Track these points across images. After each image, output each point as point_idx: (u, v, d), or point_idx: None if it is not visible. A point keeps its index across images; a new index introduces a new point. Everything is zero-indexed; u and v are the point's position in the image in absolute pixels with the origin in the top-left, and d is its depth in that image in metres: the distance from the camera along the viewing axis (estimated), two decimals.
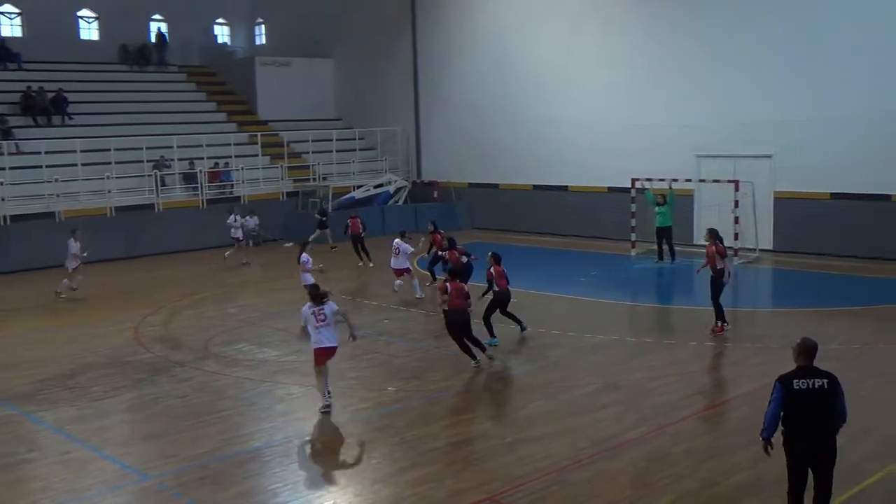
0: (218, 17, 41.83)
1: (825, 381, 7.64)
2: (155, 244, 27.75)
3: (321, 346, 12.04)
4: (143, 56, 36.46)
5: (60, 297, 21.12)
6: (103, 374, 14.38)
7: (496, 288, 15.51)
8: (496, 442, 10.76)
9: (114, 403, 12.98)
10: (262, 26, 41.82)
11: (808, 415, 7.65)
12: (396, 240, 19.88)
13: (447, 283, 14.17)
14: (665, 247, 23.47)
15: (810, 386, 7.60)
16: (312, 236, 24.14)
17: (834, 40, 22.96)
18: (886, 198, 22.53)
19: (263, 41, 41.67)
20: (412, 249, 20.00)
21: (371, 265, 24.06)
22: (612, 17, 27.88)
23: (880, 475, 9.36)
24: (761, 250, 24.03)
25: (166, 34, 38.15)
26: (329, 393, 12.18)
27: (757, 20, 24.38)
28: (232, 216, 26.18)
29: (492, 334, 15.46)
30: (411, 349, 15.61)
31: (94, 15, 37.23)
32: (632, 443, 10.60)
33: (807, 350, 7.71)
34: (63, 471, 10.27)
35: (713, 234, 16.03)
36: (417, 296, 19.59)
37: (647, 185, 24.61)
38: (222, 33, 42.35)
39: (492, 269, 15.58)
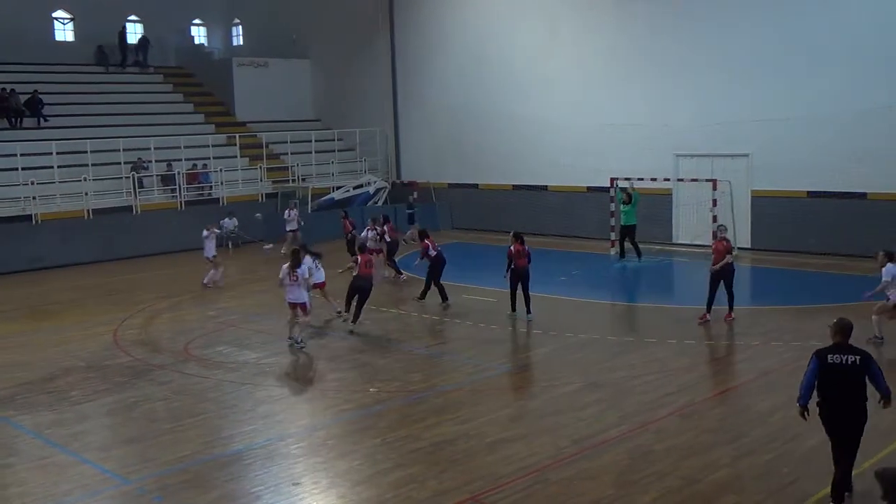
0: (194, 18, 41.57)
1: (858, 357, 8.39)
2: (133, 247, 27.56)
3: (289, 301, 15.61)
4: (122, 55, 36.16)
5: (208, 287, 21.80)
6: (82, 378, 14.27)
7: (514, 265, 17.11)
8: (478, 442, 10.77)
9: (93, 407, 12.88)
10: (239, 27, 41.63)
11: (839, 387, 8.42)
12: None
13: (358, 256, 17.17)
14: (629, 245, 23.78)
15: (843, 361, 8.39)
16: (409, 233, 26.17)
17: (809, 42, 23.16)
18: (862, 195, 22.74)
19: (240, 42, 41.48)
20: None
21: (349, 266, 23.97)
22: (590, 17, 27.98)
23: (857, 471, 9.43)
24: (739, 248, 24.12)
25: (147, 36, 37.90)
26: (291, 336, 15.74)
27: (734, 22, 24.56)
28: (287, 210, 27.52)
29: (513, 308, 17.24)
30: (392, 350, 15.59)
31: (69, 16, 36.91)
32: (614, 441, 10.65)
33: (843, 329, 8.55)
34: (42, 476, 10.18)
35: (722, 231, 16.68)
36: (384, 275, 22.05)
37: (626, 184, 24.71)
38: (199, 34, 42.10)
39: (512, 248, 17.05)
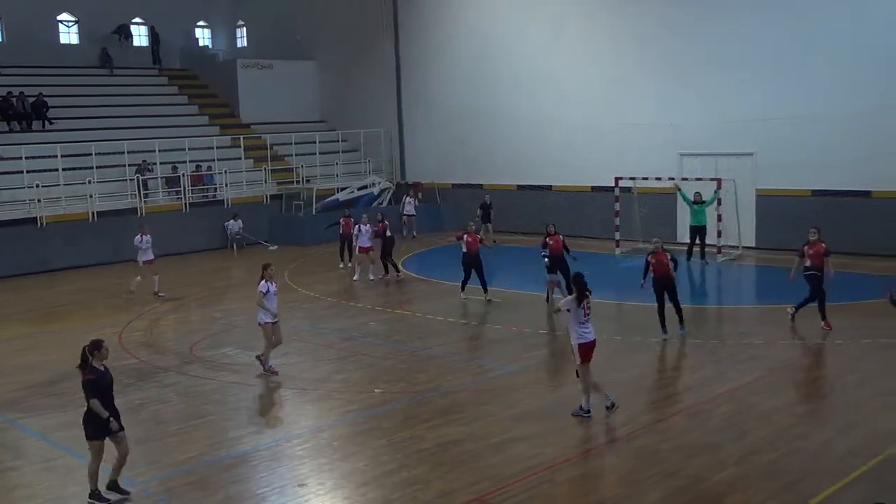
0: (199, 20, 41.66)
1: None
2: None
3: (588, 341, 11.33)
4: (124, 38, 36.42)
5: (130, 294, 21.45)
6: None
7: (464, 249, 19.13)
8: (484, 442, 10.77)
9: None
10: (244, 28, 41.70)
11: None
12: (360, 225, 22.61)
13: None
14: (696, 247, 23.07)
15: None
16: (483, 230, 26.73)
17: (813, 40, 23.14)
18: (866, 194, 22.70)
19: (245, 43, 41.54)
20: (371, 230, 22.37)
21: (342, 267, 24.09)
22: (594, 17, 27.97)
23: (864, 469, 9.44)
24: (744, 247, 24.17)
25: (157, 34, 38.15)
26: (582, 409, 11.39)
27: (739, 21, 24.53)
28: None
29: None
30: (397, 351, 15.60)
31: (73, 19, 37.02)
32: (620, 441, 10.64)
33: None
34: (49, 478, 10.21)
35: (820, 231, 15.90)
36: (370, 278, 22.19)
37: (630, 184, 24.68)
38: (203, 36, 42.18)
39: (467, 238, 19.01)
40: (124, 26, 37.24)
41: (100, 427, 9.35)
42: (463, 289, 19.40)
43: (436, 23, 32.68)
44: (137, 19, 38.64)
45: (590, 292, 11.38)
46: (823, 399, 12.27)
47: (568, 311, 11.30)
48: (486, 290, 19.09)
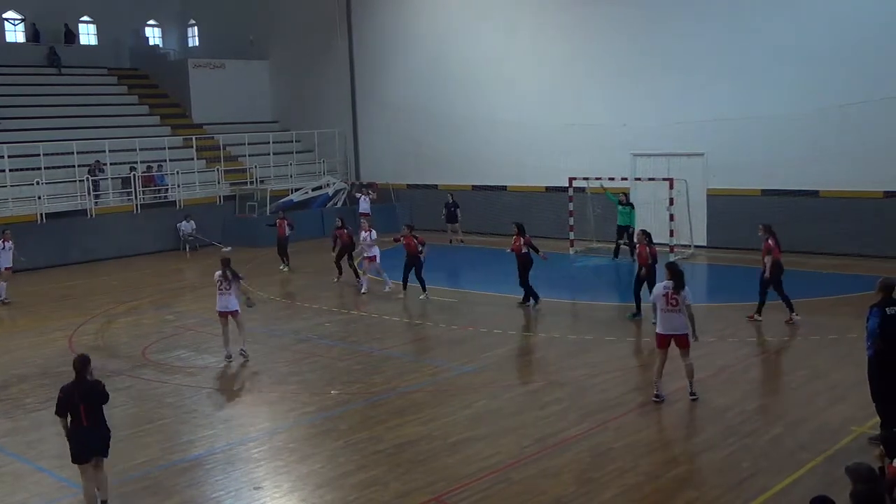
0: (149, 19, 41.10)
1: None
2: (88, 251, 27.13)
3: (662, 333, 11.88)
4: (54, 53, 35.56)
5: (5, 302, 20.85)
6: (37, 385, 14.03)
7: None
8: (440, 442, 10.79)
9: (49, 415, 12.53)
10: (195, 28, 41.23)
11: (894, 336, 9.54)
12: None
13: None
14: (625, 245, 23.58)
15: None
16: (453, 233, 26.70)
17: (763, 43, 23.56)
18: (814, 194, 23.18)
19: (196, 43, 41.07)
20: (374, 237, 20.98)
21: (284, 269, 23.81)
22: (548, 18, 28.13)
23: (813, 464, 9.63)
24: (696, 247, 24.50)
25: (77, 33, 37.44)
26: (658, 388, 11.94)
27: (691, 23, 24.87)
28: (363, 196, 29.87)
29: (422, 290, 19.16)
30: (353, 352, 15.54)
31: (19, 17, 36.28)
32: (575, 439, 10.72)
33: (888, 286, 9.79)
34: None
35: (767, 230, 16.37)
36: (386, 289, 20.55)
37: (584, 183, 24.88)
38: (153, 35, 41.62)
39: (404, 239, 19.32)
40: (53, 51, 36.12)
41: None
42: (404, 287, 19.66)
43: (390, 23, 32.62)
44: (86, 17, 38.00)
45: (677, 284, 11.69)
46: (773, 395, 12.50)
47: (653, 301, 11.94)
48: (424, 290, 19.29)
